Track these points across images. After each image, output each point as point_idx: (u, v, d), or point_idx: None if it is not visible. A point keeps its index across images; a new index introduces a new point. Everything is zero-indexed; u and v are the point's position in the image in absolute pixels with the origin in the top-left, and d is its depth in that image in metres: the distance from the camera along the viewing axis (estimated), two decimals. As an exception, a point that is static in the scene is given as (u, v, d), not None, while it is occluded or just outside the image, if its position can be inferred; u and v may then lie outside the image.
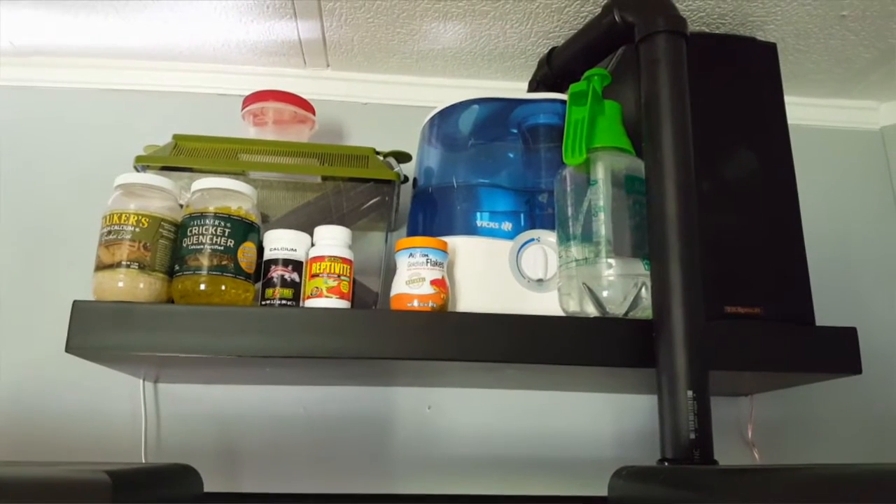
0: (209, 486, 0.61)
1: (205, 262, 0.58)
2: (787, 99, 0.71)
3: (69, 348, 0.55)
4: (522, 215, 0.68)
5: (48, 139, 0.85)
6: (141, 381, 0.75)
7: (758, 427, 0.79)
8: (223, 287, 0.58)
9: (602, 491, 0.54)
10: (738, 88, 0.70)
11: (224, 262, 0.58)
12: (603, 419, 0.80)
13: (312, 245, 0.63)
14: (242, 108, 0.75)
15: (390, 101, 0.90)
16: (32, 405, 0.75)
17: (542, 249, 0.66)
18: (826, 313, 0.65)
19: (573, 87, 0.64)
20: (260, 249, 0.62)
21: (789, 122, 0.70)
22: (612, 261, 0.60)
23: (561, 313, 0.63)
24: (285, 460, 0.75)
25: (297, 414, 0.77)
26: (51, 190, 0.83)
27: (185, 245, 0.58)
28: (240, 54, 0.85)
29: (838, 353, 0.61)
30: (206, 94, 0.88)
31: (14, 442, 0.74)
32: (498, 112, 0.72)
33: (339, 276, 0.60)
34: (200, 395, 0.76)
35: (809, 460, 0.80)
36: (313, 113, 0.77)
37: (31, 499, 0.33)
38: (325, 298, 0.60)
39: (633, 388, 0.78)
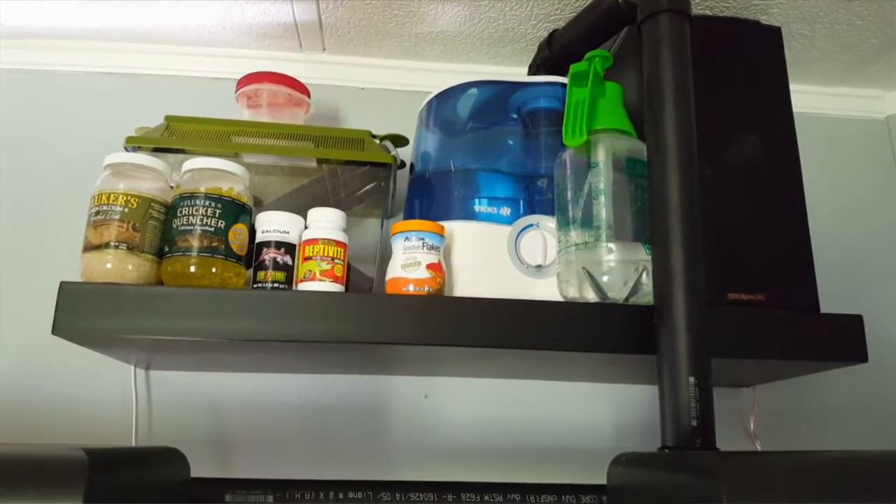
0: (202, 473, 0.60)
1: (195, 243, 0.56)
2: (791, 87, 0.69)
3: (55, 330, 0.53)
4: (521, 201, 0.67)
5: (40, 122, 0.84)
6: (132, 367, 0.73)
7: (760, 418, 0.78)
8: (214, 269, 0.57)
9: (600, 482, 0.53)
10: (743, 72, 0.69)
11: (215, 244, 0.57)
12: (602, 409, 0.79)
13: (306, 228, 0.61)
14: (236, 90, 0.74)
15: (387, 86, 0.88)
16: (22, 390, 0.74)
17: (542, 235, 0.64)
18: (831, 301, 0.64)
19: (574, 68, 0.63)
20: (252, 233, 0.61)
21: (794, 110, 0.68)
22: (612, 245, 0.59)
23: (560, 300, 0.62)
24: (279, 449, 0.74)
25: (292, 402, 0.76)
26: (42, 172, 0.82)
27: (174, 226, 0.57)
28: (235, 37, 0.84)
29: (844, 340, 0.60)
30: (200, 77, 0.86)
31: (2, 426, 0.72)
32: (497, 96, 0.71)
33: (332, 259, 0.59)
34: (193, 383, 0.75)
35: (812, 452, 0.79)
36: (308, 95, 0.76)
37: (6, 477, 0.32)
38: (318, 282, 0.58)
39: (632, 377, 0.76)
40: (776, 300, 0.61)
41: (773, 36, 0.71)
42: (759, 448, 0.77)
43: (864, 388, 0.81)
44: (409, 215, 0.71)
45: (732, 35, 0.71)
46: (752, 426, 0.78)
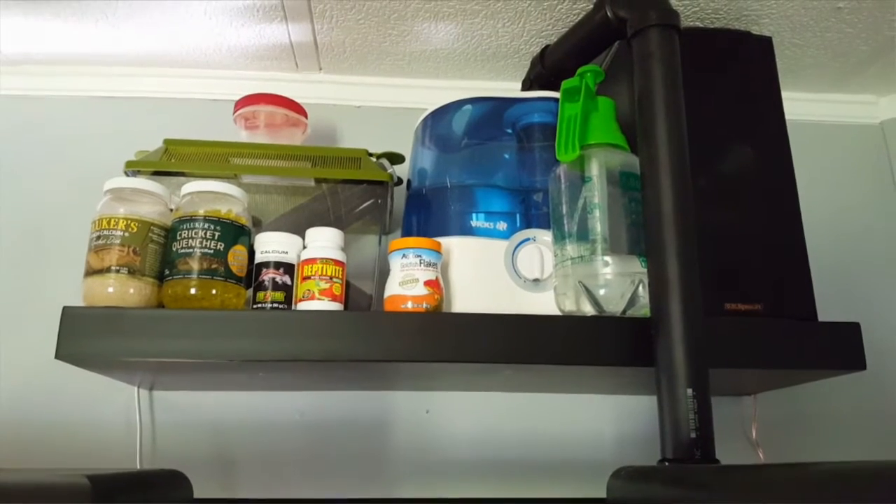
0: (206, 493, 0.60)
1: (195, 265, 0.57)
2: (785, 94, 0.70)
3: (59, 355, 0.54)
4: (518, 215, 0.67)
5: (39, 147, 0.85)
6: (136, 388, 0.74)
7: (762, 427, 0.78)
8: (214, 291, 0.57)
9: (601, 494, 0.53)
10: (734, 83, 0.69)
11: (214, 266, 0.57)
12: (602, 422, 0.79)
13: (304, 247, 0.62)
14: (234, 112, 0.74)
15: (383, 104, 0.89)
16: (27, 413, 0.74)
17: (538, 249, 0.65)
18: (828, 309, 0.64)
19: (566, 84, 0.64)
20: (251, 253, 0.61)
21: (788, 118, 0.69)
22: (608, 258, 0.59)
23: (558, 313, 0.62)
24: (282, 467, 0.74)
25: (294, 420, 0.76)
26: (42, 197, 0.82)
27: (174, 249, 0.58)
28: (231, 59, 0.85)
29: (842, 349, 0.60)
30: (197, 99, 0.87)
31: (6, 451, 0.73)
32: (491, 112, 0.72)
33: (331, 278, 0.60)
34: (196, 403, 0.76)
35: (815, 459, 0.78)
36: (305, 116, 0.77)
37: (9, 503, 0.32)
38: (317, 301, 0.59)
39: (632, 389, 0.77)
40: (773, 309, 0.61)
41: (764, 46, 0.72)
42: (761, 456, 0.77)
43: (864, 395, 0.81)
44: (407, 231, 0.71)
45: (724, 46, 0.72)
46: (753, 434, 0.77)
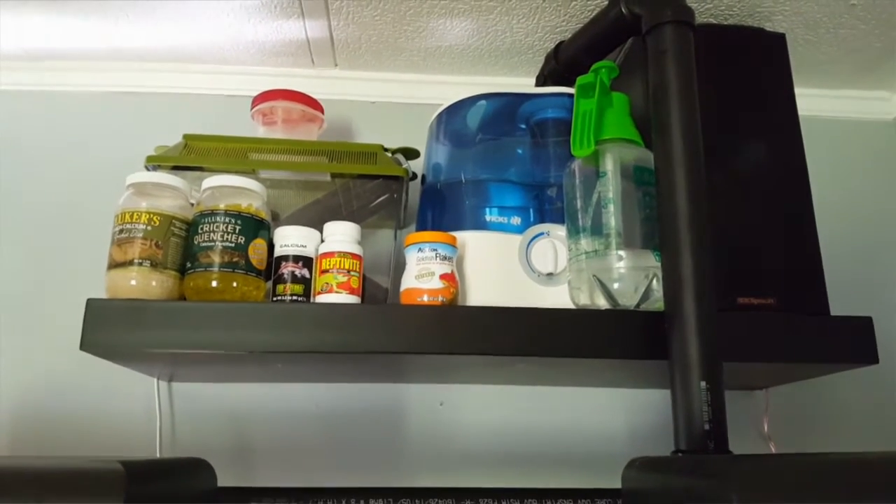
0: (224, 481, 0.62)
1: (216, 258, 0.58)
2: (798, 91, 0.70)
3: (83, 346, 0.55)
4: (531, 210, 0.68)
5: (61, 142, 0.86)
6: (155, 380, 0.75)
7: (774, 420, 0.79)
8: (234, 284, 0.58)
9: (615, 486, 0.54)
10: (748, 79, 0.70)
11: (235, 259, 0.58)
12: (616, 414, 0.80)
13: (322, 241, 0.63)
14: (252, 108, 0.75)
15: (398, 100, 0.90)
16: (48, 404, 0.76)
17: (552, 243, 0.66)
18: (840, 303, 0.64)
19: (581, 80, 0.64)
20: (270, 247, 0.62)
21: (801, 114, 0.69)
22: (622, 253, 0.60)
23: (572, 307, 0.63)
24: (299, 457, 0.76)
25: (310, 411, 0.77)
26: (65, 191, 0.84)
27: (196, 242, 0.59)
28: (248, 55, 0.86)
29: (854, 342, 0.60)
30: (215, 95, 0.88)
31: (30, 440, 0.74)
32: (505, 107, 0.72)
33: (348, 271, 0.61)
34: (214, 394, 0.77)
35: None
36: (322, 112, 0.78)
37: (47, 489, 0.33)
38: (335, 294, 0.60)
39: (645, 382, 0.77)
40: (786, 304, 0.62)
41: (777, 42, 0.72)
42: (773, 449, 0.78)
43: (876, 388, 0.81)
44: (422, 226, 0.72)
45: (737, 43, 0.72)
46: (765, 428, 0.78)
